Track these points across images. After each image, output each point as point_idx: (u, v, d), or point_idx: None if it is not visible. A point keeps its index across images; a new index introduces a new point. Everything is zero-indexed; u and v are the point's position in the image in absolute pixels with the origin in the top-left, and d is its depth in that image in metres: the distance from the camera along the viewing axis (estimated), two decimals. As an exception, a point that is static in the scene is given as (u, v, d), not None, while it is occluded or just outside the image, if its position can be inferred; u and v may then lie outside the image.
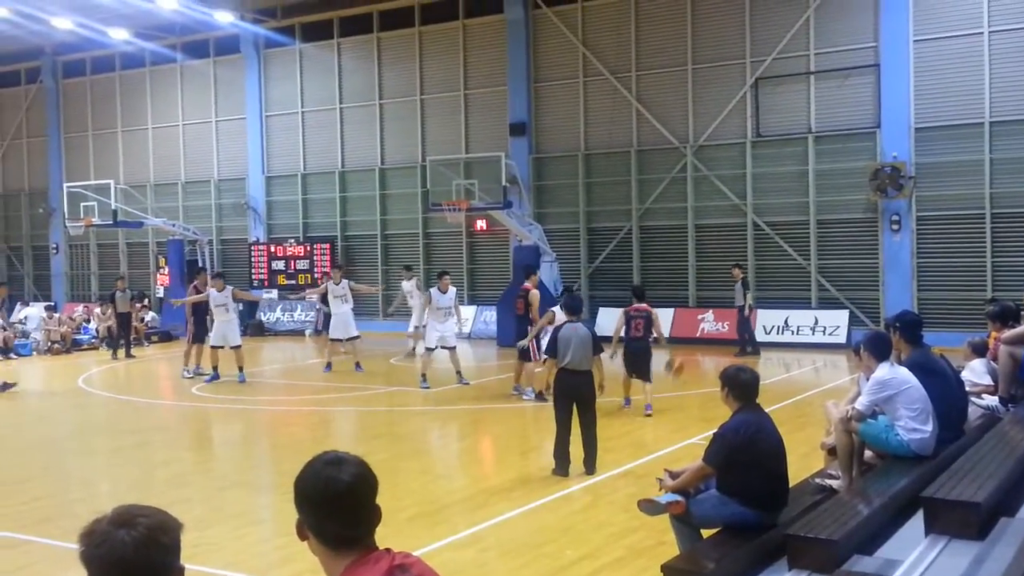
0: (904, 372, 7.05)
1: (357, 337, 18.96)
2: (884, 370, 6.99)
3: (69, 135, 33.51)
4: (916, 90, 20.76)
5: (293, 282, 27.60)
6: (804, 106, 22.16)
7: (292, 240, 28.38)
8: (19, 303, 30.48)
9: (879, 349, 7.15)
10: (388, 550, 2.51)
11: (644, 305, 14.17)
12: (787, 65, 22.26)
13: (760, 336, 21.71)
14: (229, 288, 18.37)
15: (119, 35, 28.85)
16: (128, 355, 22.76)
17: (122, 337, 23.02)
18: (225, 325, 17.85)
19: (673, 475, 6.20)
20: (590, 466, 9.83)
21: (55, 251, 33.68)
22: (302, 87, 28.78)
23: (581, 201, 24.64)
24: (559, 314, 13.79)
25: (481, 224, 25.63)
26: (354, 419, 14.56)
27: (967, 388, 8.66)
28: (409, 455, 11.20)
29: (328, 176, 28.51)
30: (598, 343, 10.18)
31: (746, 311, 20.23)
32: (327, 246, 27.67)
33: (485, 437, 13.12)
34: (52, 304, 29.20)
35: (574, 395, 9.89)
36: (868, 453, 7.21)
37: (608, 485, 9.42)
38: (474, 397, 15.74)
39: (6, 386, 17.19)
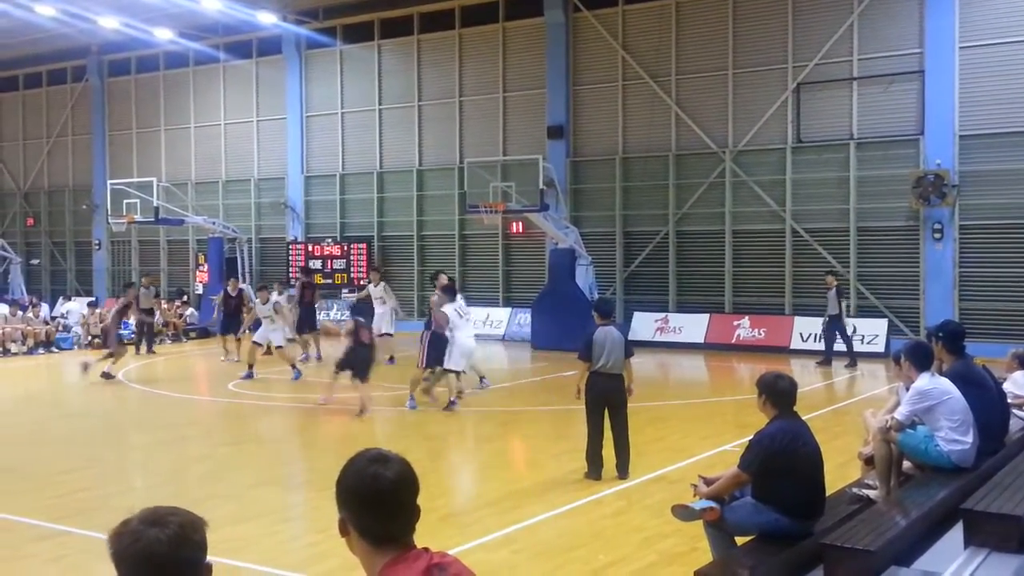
0: (945, 383, 6.94)
1: (389, 335, 19.55)
2: (925, 380, 6.89)
3: (113, 133, 34.01)
4: (961, 97, 20.47)
5: (330, 281, 27.77)
6: (846, 112, 21.93)
7: (329, 240, 28.56)
8: (61, 297, 30.95)
9: (920, 359, 7.06)
10: (426, 549, 2.51)
11: None
12: (830, 70, 22.05)
13: (797, 343, 21.56)
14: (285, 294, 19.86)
15: (164, 35, 29.26)
16: (150, 351, 23.01)
17: (144, 334, 23.35)
18: (268, 327, 18.60)
19: (707, 481, 6.14)
20: (623, 470, 9.79)
21: (97, 247, 34.18)
22: (342, 88, 28.98)
23: (618, 205, 24.56)
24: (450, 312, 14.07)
25: (517, 226, 25.64)
26: (386, 419, 14.60)
27: (1009, 400, 8.52)
28: (441, 455, 11.22)
29: (366, 177, 28.67)
30: (630, 346, 10.10)
31: (842, 320, 19.30)
32: (364, 246, 27.82)
33: (517, 439, 13.11)
34: (94, 299, 29.62)
35: (606, 399, 9.83)
36: (907, 464, 7.11)
37: (641, 490, 9.37)
38: (506, 399, 15.74)
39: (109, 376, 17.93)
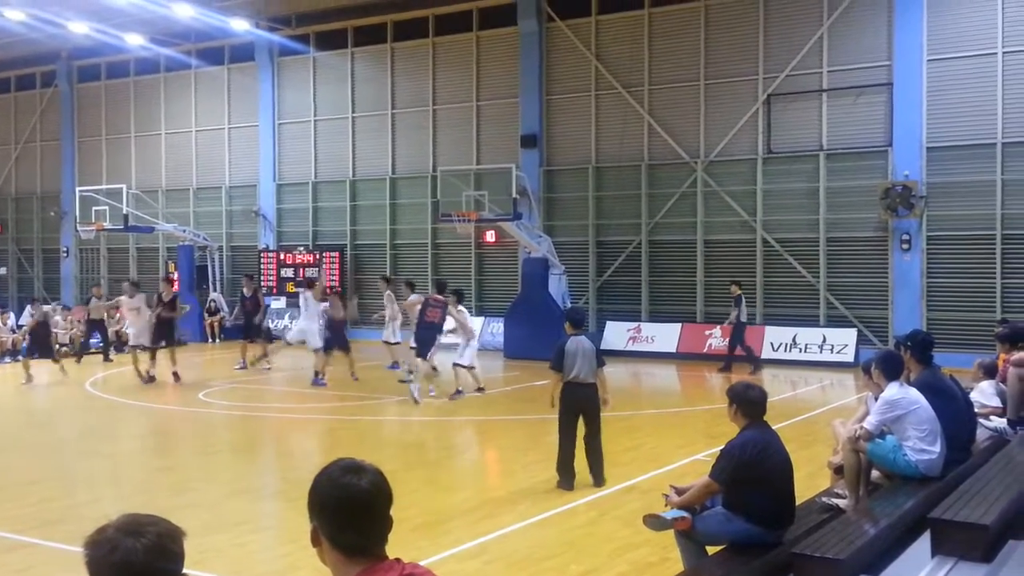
0: (914, 392, 7.02)
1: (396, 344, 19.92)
2: (894, 390, 6.96)
3: (83, 139, 33.68)
4: (929, 109, 20.75)
5: (301, 290, 27.53)
6: (816, 123, 22.16)
7: (302, 248, 28.42)
8: (28, 305, 30.53)
9: (890, 368, 7.12)
10: (398, 560, 2.51)
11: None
12: (800, 82, 22.27)
13: (767, 353, 21.68)
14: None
15: (135, 40, 29.01)
16: (106, 359, 22.63)
17: (99, 343, 23.00)
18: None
19: (679, 491, 6.16)
20: (598, 478, 9.82)
21: (65, 254, 33.80)
22: (315, 95, 28.89)
23: (591, 214, 24.64)
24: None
25: (490, 235, 25.65)
26: (359, 428, 14.54)
27: (976, 410, 8.62)
28: (414, 465, 11.18)
29: (339, 185, 28.58)
30: (601, 356, 10.12)
31: (740, 328, 20.08)
32: (336, 254, 27.72)
33: (490, 448, 13.10)
34: (67, 307, 29.27)
35: (580, 407, 9.85)
36: (875, 473, 7.18)
37: (613, 499, 9.39)
38: (479, 408, 15.74)
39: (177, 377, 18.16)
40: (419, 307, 16.33)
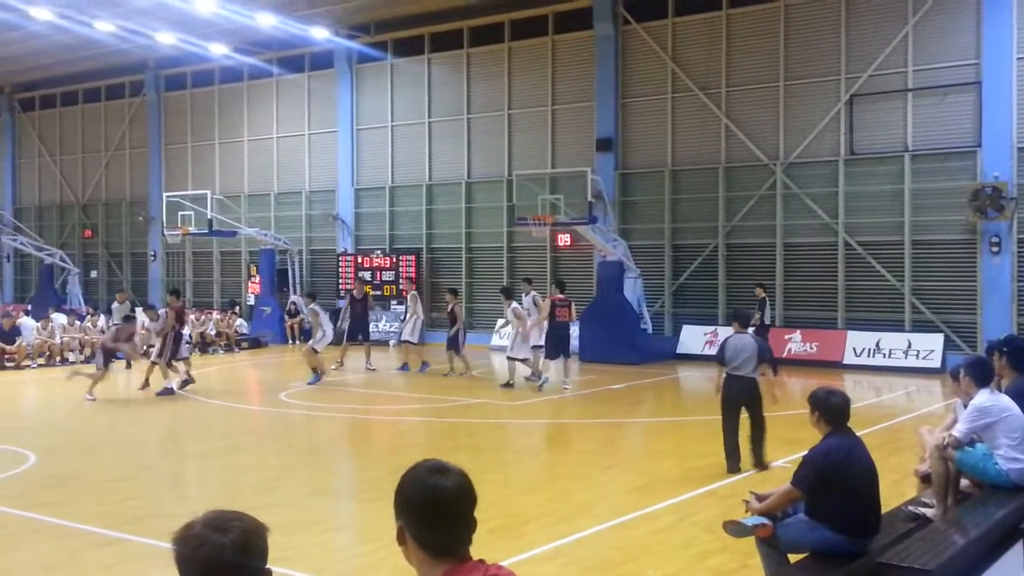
0: (1005, 399, 6.81)
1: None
2: (984, 397, 6.77)
3: (169, 146, 34.66)
4: (1019, 109, 20.08)
5: (379, 293, 27.97)
6: (901, 124, 21.63)
7: (379, 252, 28.80)
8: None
9: (980, 375, 6.93)
10: (482, 561, 2.53)
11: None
12: (884, 82, 21.77)
13: (849, 358, 21.30)
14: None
15: (219, 50, 29.79)
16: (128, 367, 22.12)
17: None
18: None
19: (760, 497, 6.08)
20: (759, 458, 10.65)
21: (153, 258, 34.82)
22: (392, 101, 29.25)
23: (667, 217, 24.46)
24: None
25: (565, 239, 25.63)
26: (436, 430, 14.66)
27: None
28: (491, 467, 11.21)
29: (415, 189, 28.88)
30: (764, 352, 10.85)
31: (761, 331, 19.60)
32: (412, 258, 28.00)
33: (567, 451, 13.08)
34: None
35: (739, 397, 10.70)
36: (964, 482, 6.99)
37: (693, 505, 9.30)
38: (556, 411, 15.73)
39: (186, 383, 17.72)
40: (547, 310, 17.68)
